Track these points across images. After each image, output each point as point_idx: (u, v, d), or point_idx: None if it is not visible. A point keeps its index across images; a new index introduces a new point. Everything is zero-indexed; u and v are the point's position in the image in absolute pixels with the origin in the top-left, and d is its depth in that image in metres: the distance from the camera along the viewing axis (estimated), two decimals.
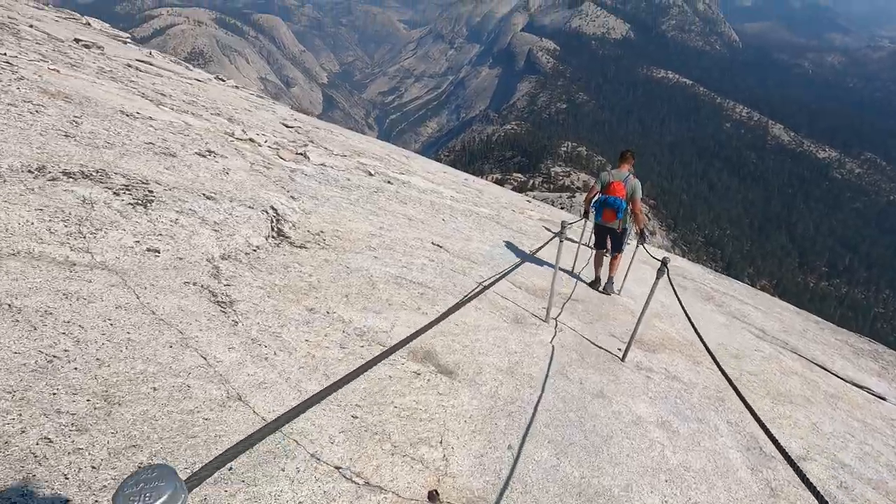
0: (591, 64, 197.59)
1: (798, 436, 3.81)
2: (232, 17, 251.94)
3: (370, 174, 8.02)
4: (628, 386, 3.29)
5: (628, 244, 9.49)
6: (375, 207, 5.85)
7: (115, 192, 2.95)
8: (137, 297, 2.10)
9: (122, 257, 2.40)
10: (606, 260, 6.20)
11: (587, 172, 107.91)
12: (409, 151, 19.38)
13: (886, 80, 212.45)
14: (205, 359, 1.89)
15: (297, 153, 7.20)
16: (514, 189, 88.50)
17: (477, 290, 3.29)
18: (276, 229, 3.69)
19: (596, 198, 5.79)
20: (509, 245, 6.72)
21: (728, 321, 7.10)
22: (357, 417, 1.95)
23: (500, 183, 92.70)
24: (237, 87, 18.60)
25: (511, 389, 2.67)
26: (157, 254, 2.58)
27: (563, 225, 3.64)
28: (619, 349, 4.04)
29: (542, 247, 4.02)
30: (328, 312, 2.76)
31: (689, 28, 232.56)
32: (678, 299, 3.46)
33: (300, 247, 3.60)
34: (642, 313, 3.61)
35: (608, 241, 6.01)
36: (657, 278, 3.48)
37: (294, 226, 4.03)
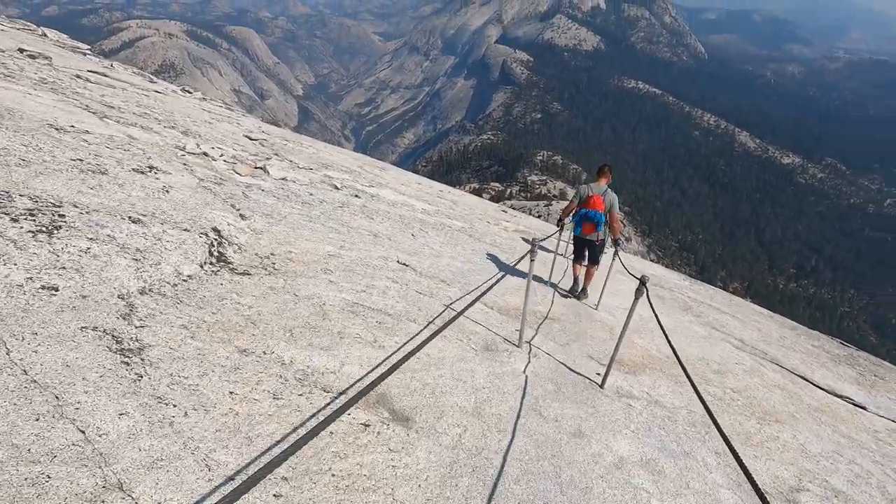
0: (564, 75, 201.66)
1: (788, 461, 3.58)
2: (203, 30, 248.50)
3: (336, 188, 7.64)
4: (609, 419, 2.99)
5: (604, 253, 9.37)
6: (338, 224, 5.48)
7: (13, 219, 2.53)
8: (8, 353, 1.70)
9: (3, 299, 1.98)
10: (583, 269, 6.36)
11: (563, 180, 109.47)
12: (384, 163, 19.02)
13: (843, 90, 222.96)
14: (83, 432, 1.50)
15: (255, 167, 6.78)
16: (491, 198, 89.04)
17: (444, 323, 2.97)
18: (215, 254, 3.29)
19: (574, 211, 5.97)
20: (482, 260, 6.42)
21: (707, 332, 6.94)
22: (281, 496, 1.58)
23: (477, 192, 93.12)
24: (204, 98, 18.03)
25: (477, 436, 2.33)
26: (53, 292, 2.16)
27: (534, 242, 3.35)
28: (598, 374, 3.76)
29: (517, 262, 3.73)
30: (265, 353, 2.39)
31: (657, 40, 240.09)
32: (658, 321, 3.19)
33: (243, 273, 3.21)
34: (620, 338, 3.33)
35: (586, 252, 6.20)
36: (636, 298, 3.21)
37: (240, 248, 3.63)
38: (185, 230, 3.32)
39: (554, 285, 6.72)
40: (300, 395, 2.16)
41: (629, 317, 3.23)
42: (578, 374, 3.63)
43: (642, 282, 3.13)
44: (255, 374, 2.19)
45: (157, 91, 12.80)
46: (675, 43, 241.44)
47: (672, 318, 7.08)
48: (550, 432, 2.58)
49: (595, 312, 5.82)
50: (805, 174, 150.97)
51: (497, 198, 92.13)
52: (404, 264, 4.86)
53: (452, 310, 3.95)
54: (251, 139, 9.95)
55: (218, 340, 2.34)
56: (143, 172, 4.34)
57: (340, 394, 2.29)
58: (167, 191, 4.08)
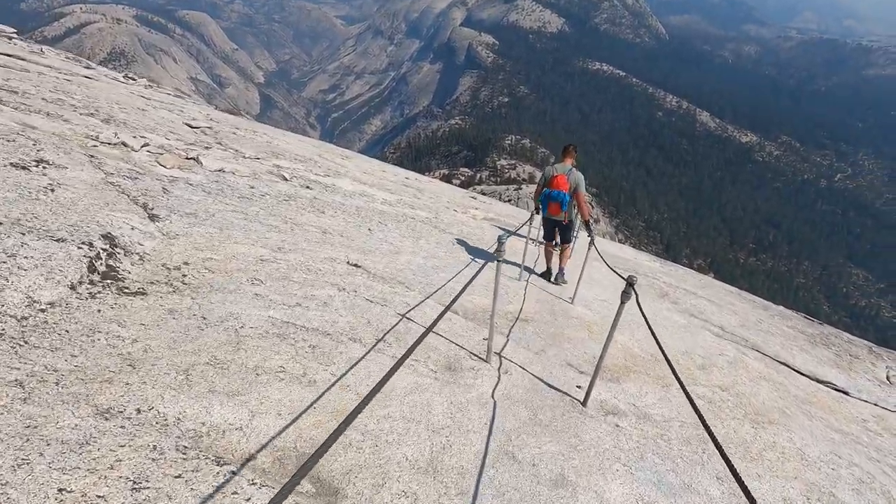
0: (530, 57, 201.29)
1: (791, 475, 3.19)
2: (154, 14, 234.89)
3: (285, 179, 6.89)
4: (595, 452, 2.49)
5: (576, 237, 9.02)
6: (280, 221, 4.78)
7: None
8: None
9: None
10: (556, 256, 6.34)
11: (532, 164, 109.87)
12: (348, 151, 18.08)
13: (797, 68, 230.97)
14: None
15: (187, 158, 5.95)
16: (461, 184, 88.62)
17: (402, 356, 2.41)
18: (100, 269, 2.59)
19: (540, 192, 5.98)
20: (448, 255, 5.83)
21: (687, 321, 6.61)
22: None
23: (447, 178, 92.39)
24: (150, 85, 16.69)
25: None
26: None
27: (500, 242, 2.79)
28: (579, 387, 3.26)
29: (486, 256, 3.18)
30: (140, 411, 1.75)
31: (620, 21, 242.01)
32: (650, 329, 2.70)
33: (136, 293, 2.53)
34: (602, 353, 2.83)
35: (556, 234, 6.16)
36: (622, 303, 2.71)
37: (141, 259, 2.93)
38: (58, 240, 2.59)
39: (529, 268, 6.33)
40: (178, 475, 1.53)
41: (613, 327, 2.73)
42: (557, 390, 3.12)
43: (630, 283, 2.62)
44: (114, 448, 1.55)
45: (86, 77, 11.56)
46: (637, 24, 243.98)
47: (651, 306, 6.71)
48: (527, 484, 2.05)
49: (571, 307, 5.34)
50: (762, 152, 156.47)
51: (467, 183, 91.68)
52: (356, 265, 4.22)
53: (409, 320, 3.36)
54: (192, 127, 9.02)
55: (68, 399, 1.68)
56: (24, 168, 3.53)
57: (243, 464, 1.68)
58: (52, 190, 3.31)
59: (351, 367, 2.42)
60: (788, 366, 6.04)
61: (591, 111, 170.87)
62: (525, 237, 6.93)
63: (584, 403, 3.01)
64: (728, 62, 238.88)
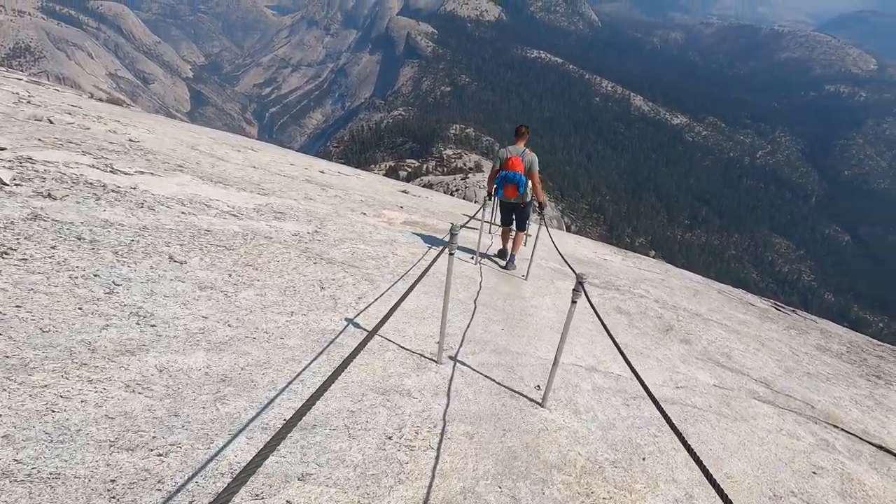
0: (470, 46, 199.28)
1: None
2: (63, 6, 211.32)
3: (2, 184, 3.70)
4: None
5: (531, 223, 6.67)
6: None
7: None
8: None
9: None
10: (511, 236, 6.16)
11: (477, 153, 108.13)
12: (259, 143, 14.49)
13: (718, 53, 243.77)
14: None
15: None
16: (408, 175, 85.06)
17: None
18: None
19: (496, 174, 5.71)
20: (292, 321, 2.90)
21: (718, 380, 4.10)
22: None
23: (393, 170, 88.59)
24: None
25: None
26: None
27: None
28: None
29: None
30: None
31: (555, 9, 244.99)
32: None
33: None
34: None
35: (513, 217, 5.97)
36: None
37: None
38: None
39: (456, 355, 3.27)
40: None
41: None
42: None
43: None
44: None
45: None
46: (571, 12, 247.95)
47: (661, 355, 4.15)
48: None
49: (543, 422, 2.58)
50: (692, 132, 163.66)
51: (414, 174, 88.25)
52: None
53: None
54: None
55: None
56: None
57: None
58: None
59: None
60: (889, 451, 3.68)
61: (531, 98, 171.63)
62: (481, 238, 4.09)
63: None
64: (657, 48, 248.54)
